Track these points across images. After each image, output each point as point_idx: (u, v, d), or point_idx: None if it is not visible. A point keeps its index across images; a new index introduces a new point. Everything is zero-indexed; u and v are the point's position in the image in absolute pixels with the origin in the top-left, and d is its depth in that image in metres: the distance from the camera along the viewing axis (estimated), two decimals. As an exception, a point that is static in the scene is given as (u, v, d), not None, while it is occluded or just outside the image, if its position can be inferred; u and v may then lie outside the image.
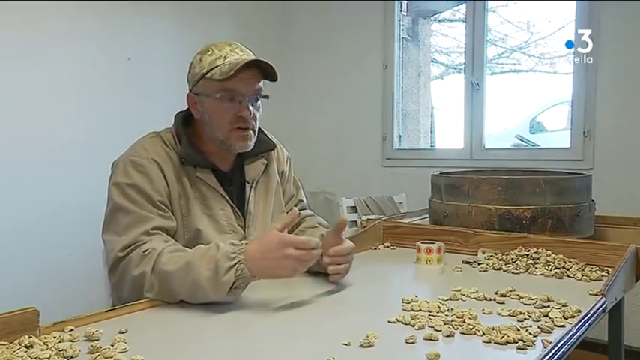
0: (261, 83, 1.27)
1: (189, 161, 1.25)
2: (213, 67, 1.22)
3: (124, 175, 1.19)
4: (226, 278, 1.00)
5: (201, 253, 1.05)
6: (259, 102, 1.29)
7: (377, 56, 3.42)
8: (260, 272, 1.03)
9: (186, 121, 1.32)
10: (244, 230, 1.31)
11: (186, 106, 1.33)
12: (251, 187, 1.35)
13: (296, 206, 1.48)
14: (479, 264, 1.42)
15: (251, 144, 1.29)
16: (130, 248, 1.12)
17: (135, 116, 2.79)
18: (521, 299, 1.09)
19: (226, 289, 1.00)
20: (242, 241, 1.06)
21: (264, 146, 1.38)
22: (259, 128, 1.35)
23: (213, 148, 1.30)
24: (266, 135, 1.40)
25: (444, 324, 0.92)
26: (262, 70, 1.25)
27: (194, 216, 1.23)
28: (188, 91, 1.30)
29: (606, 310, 1.11)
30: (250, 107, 1.24)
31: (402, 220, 1.86)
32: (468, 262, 1.44)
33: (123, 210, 1.16)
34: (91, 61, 2.64)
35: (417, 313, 0.99)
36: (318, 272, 1.34)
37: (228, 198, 1.29)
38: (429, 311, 1.00)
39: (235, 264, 1.00)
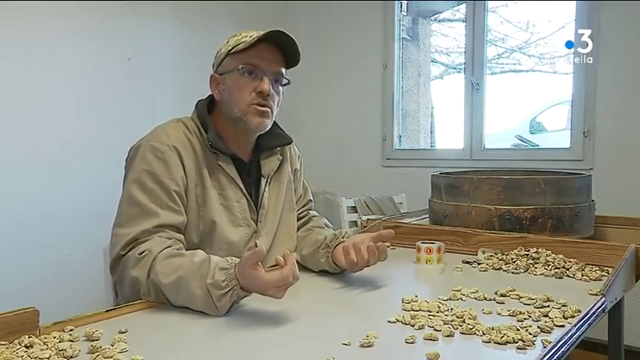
0: (283, 70, 1.28)
1: (216, 146, 1.24)
2: (239, 43, 1.24)
3: (142, 161, 1.18)
4: (221, 304, 0.99)
5: (195, 268, 1.03)
6: (280, 88, 1.29)
7: (377, 56, 3.42)
8: (252, 289, 1.01)
9: (207, 108, 1.31)
10: (257, 224, 1.30)
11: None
12: (266, 181, 1.35)
13: (305, 205, 1.50)
14: (479, 264, 1.42)
15: (267, 123, 1.27)
16: (130, 246, 1.11)
17: (135, 116, 2.79)
18: (521, 299, 1.09)
19: (222, 312, 1.00)
20: (232, 262, 1.02)
21: (281, 140, 1.37)
22: (276, 123, 1.34)
23: (232, 133, 1.28)
24: (282, 130, 1.39)
25: (444, 324, 0.92)
26: (286, 57, 1.27)
27: (210, 206, 1.22)
28: (211, 74, 1.30)
29: (606, 310, 1.11)
30: (270, 85, 1.24)
31: (402, 220, 1.86)
32: (468, 262, 1.44)
33: (130, 199, 1.15)
34: (91, 61, 2.64)
35: (416, 313, 0.99)
36: (320, 272, 1.34)
37: (245, 190, 1.28)
38: (428, 311, 1.00)
39: (229, 291, 0.99)
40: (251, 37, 1.23)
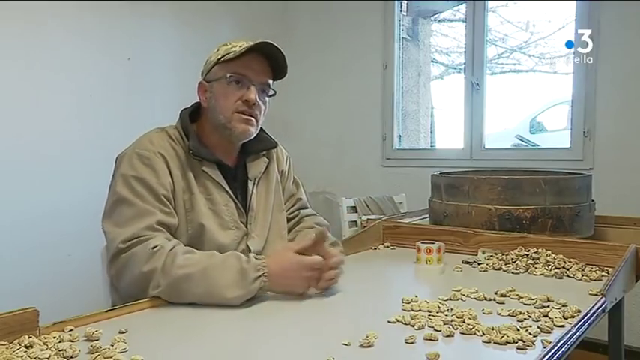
0: (270, 81, 1.31)
1: (197, 154, 1.25)
2: (228, 53, 1.26)
3: (129, 168, 1.19)
4: (252, 287, 1.06)
5: (220, 260, 1.09)
6: (266, 98, 1.32)
7: (377, 56, 3.42)
8: (277, 288, 1.11)
9: (191, 117, 1.33)
10: (246, 227, 1.31)
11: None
12: (253, 184, 1.36)
13: (295, 205, 1.49)
14: (479, 264, 1.42)
15: (252, 131, 1.29)
16: (132, 242, 1.11)
17: (135, 116, 2.79)
18: (521, 299, 1.09)
19: (248, 297, 1.06)
20: (261, 256, 1.12)
21: (266, 144, 1.40)
22: (261, 127, 1.36)
23: (217, 140, 1.30)
24: (267, 134, 1.41)
25: (444, 324, 0.92)
26: (273, 68, 1.30)
27: (198, 211, 1.23)
28: (200, 81, 1.32)
29: (606, 310, 1.11)
30: (256, 95, 1.26)
31: (402, 220, 1.86)
32: (468, 262, 1.44)
33: (126, 202, 1.16)
34: (91, 61, 2.64)
35: (416, 313, 0.99)
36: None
37: (232, 194, 1.30)
38: (428, 311, 1.00)
39: (260, 276, 1.07)
40: (240, 47, 1.25)
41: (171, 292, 1.07)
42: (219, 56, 1.27)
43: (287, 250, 1.16)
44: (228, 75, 1.25)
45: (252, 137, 1.31)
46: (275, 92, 1.33)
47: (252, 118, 1.28)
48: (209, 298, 1.06)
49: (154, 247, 1.09)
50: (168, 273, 1.06)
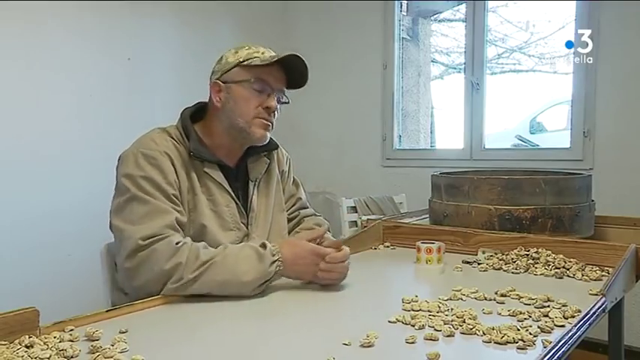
0: (285, 89, 1.34)
1: (198, 155, 1.25)
2: (252, 57, 1.28)
3: (135, 167, 1.18)
4: (269, 270, 1.12)
5: (236, 250, 1.14)
6: (279, 105, 1.34)
7: (377, 56, 3.42)
8: (290, 274, 1.17)
9: (193, 117, 1.33)
10: (247, 227, 1.31)
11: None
12: (254, 185, 1.36)
13: (295, 205, 1.50)
14: (479, 264, 1.43)
15: (268, 136, 1.33)
16: (153, 239, 1.10)
17: (135, 116, 2.79)
18: (521, 299, 1.09)
19: (264, 280, 1.11)
20: (274, 244, 1.17)
21: (267, 145, 1.40)
22: None
23: (223, 141, 1.31)
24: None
25: (444, 324, 0.92)
26: (289, 78, 1.33)
27: (200, 211, 1.24)
28: (214, 80, 1.31)
29: (606, 310, 1.11)
30: (276, 103, 1.30)
31: (402, 220, 1.86)
32: (468, 262, 1.44)
33: (138, 199, 1.15)
34: (91, 61, 2.64)
35: (417, 313, 0.99)
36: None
37: (234, 194, 1.30)
38: (429, 311, 1.00)
39: (276, 260, 1.13)
40: (263, 53, 1.29)
41: (193, 284, 1.08)
42: (241, 59, 1.28)
43: (299, 239, 1.23)
44: (252, 79, 1.26)
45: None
46: (289, 101, 1.36)
47: (270, 124, 1.31)
48: (227, 286, 1.09)
49: (177, 243, 1.11)
50: (193, 265, 1.09)
